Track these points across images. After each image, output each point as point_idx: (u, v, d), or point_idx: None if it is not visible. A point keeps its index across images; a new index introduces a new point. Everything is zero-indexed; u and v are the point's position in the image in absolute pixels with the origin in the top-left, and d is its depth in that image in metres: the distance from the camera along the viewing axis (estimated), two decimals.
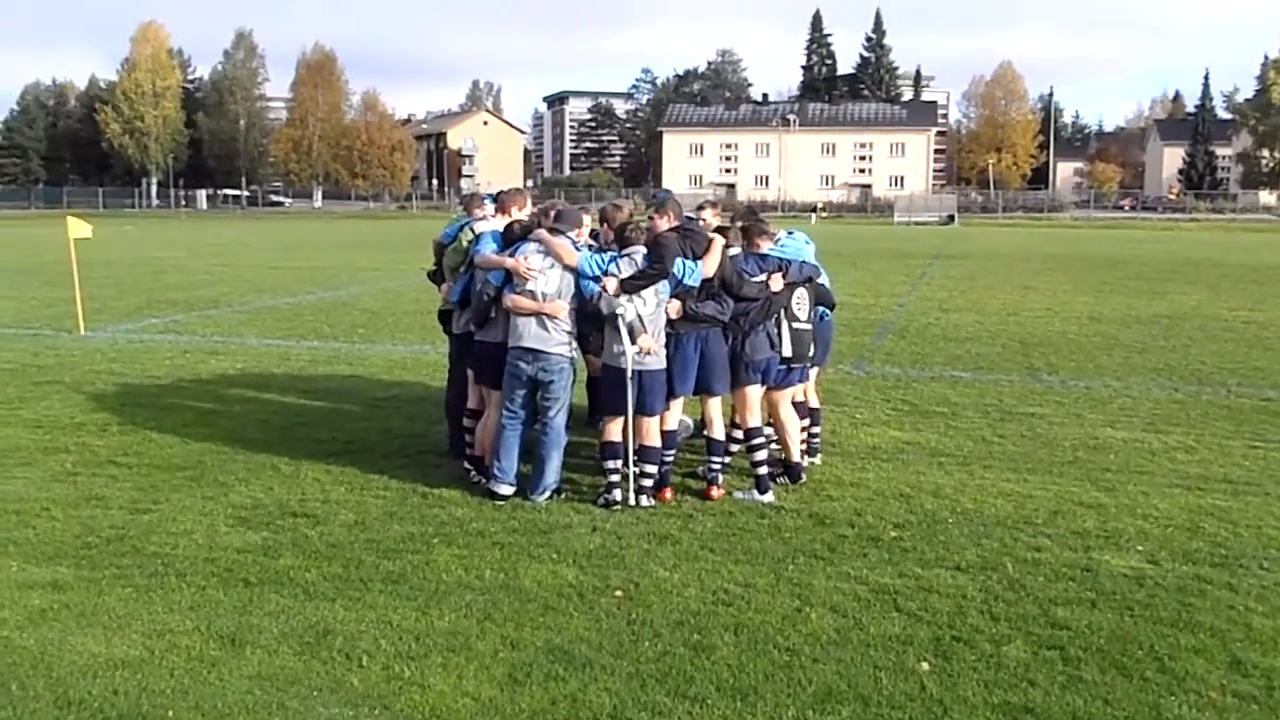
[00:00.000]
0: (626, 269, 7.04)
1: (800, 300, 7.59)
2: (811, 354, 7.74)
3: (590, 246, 7.55)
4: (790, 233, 7.98)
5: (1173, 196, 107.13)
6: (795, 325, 7.53)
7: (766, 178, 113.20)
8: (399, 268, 28.17)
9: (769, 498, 7.39)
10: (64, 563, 6.10)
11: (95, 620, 5.32)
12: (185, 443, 8.85)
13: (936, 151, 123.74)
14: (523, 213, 7.69)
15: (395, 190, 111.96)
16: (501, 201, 7.85)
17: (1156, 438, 9.36)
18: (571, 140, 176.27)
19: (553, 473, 7.29)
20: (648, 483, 7.21)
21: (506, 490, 7.26)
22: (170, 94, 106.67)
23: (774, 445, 7.84)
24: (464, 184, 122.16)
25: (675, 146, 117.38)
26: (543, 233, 7.16)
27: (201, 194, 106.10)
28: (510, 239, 7.30)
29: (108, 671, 4.76)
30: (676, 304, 7.17)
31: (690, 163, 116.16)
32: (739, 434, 7.69)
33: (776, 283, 7.37)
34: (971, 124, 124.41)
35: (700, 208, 7.86)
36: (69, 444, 8.81)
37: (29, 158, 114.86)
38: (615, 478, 7.18)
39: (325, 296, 21.12)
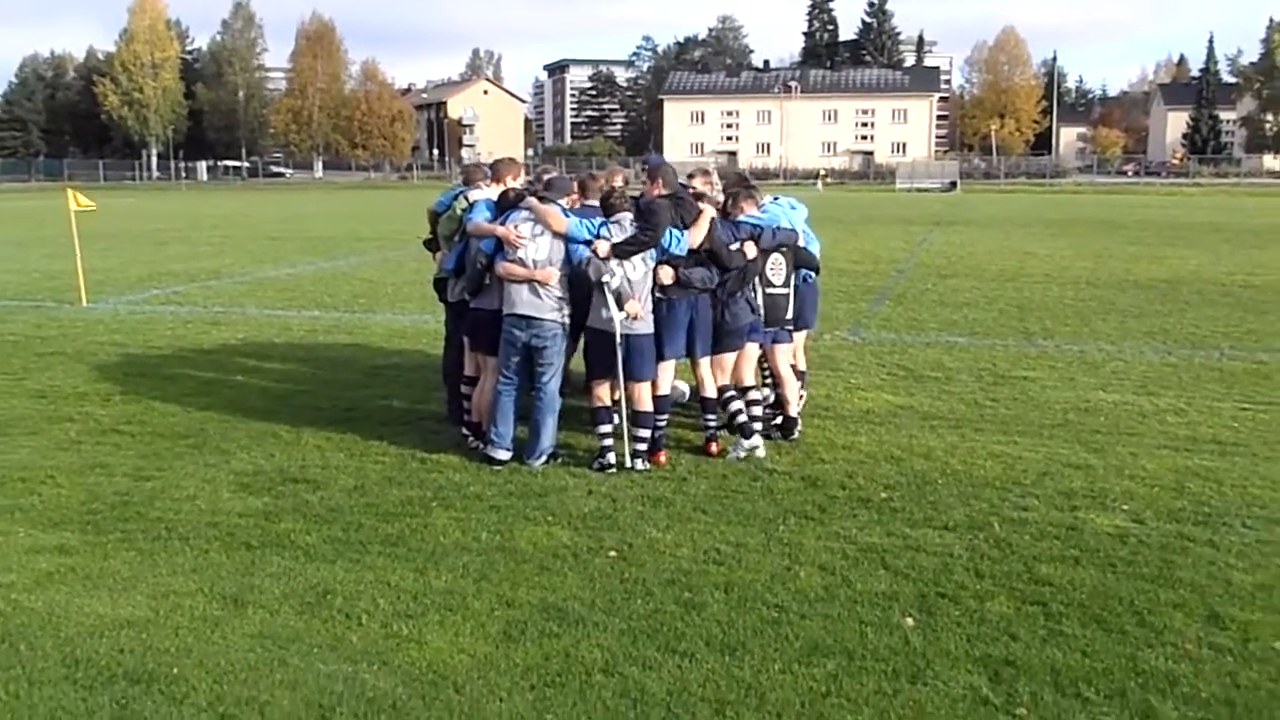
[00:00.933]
0: (616, 235, 7.12)
1: (775, 265, 7.73)
2: (788, 317, 7.88)
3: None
4: (775, 198, 8.07)
5: (1176, 161, 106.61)
6: (769, 290, 7.69)
7: (768, 145, 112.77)
8: (399, 237, 28.19)
9: (755, 441, 7.55)
10: (69, 528, 6.23)
11: (101, 583, 5.45)
12: (187, 411, 8.97)
13: (939, 117, 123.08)
14: (516, 182, 7.77)
15: (396, 160, 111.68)
16: (496, 170, 7.93)
17: (1148, 400, 9.46)
18: (572, 109, 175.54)
19: (548, 437, 7.41)
20: (642, 446, 7.33)
21: (503, 455, 7.38)
22: (169, 65, 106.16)
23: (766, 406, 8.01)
24: (465, 153, 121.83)
25: (676, 114, 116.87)
26: (533, 200, 7.25)
27: (202, 165, 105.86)
28: (503, 207, 7.39)
29: (113, 631, 4.89)
30: (669, 271, 7.27)
31: (691, 130, 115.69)
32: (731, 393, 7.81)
33: (750, 250, 7.49)
34: (974, 89, 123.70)
35: (691, 175, 7.94)
36: (73, 413, 8.94)
37: (29, 131, 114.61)
38: (608, 442, 7.30)
39: (325, 267, 21.20)
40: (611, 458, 7.27)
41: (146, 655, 4.67)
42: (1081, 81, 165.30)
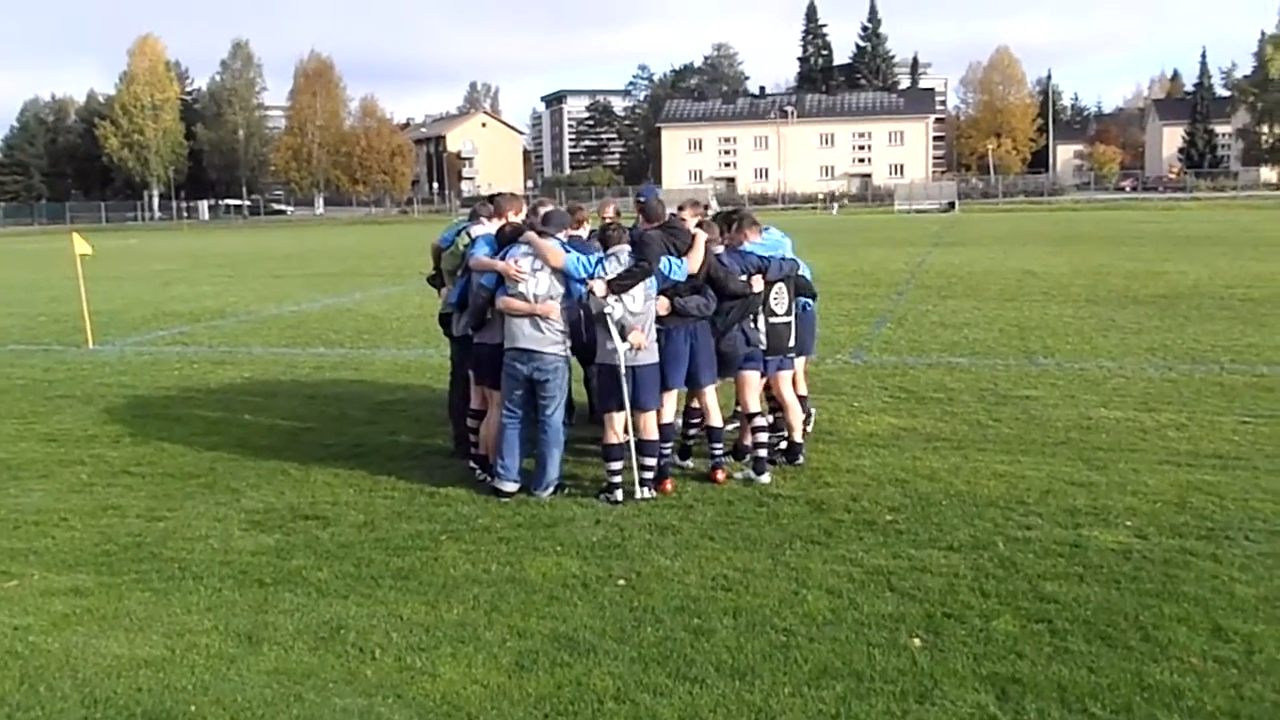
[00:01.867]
0: (613, 268, 7.22)
1: (778, 295, 7.84)
2: (791, 345, 7.99)
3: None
4: (766, 228, 8.18)
5: (1173, 176, 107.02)
6: (771, 320, 7.80)
7: (766, 170, 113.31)
8: (401, 272, 28.37)
9: (766, 479, 7.62)
10: (84, 570, 6.31)
11: (116, 623, 5.52)
12: (197, 451, 9.05)
13: (935, 138, 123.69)
14: (518, 217, 7.88)
15: (396, 195, 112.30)
16: (498, 205, 8.05)
17: (1149, 416, 9.53)
18: (570, 139, 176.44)
19: (554, 469, 7.48)
20: (648, 475, 7.39)
21: (511, 487, 7.45)
22: (169, 106, 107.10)
23: (774, 432, 8.10)
24: (464, 186, 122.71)
25: (674, 142, 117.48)
26: (532, 235, 7.36)
27: (203, 205, 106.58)
28: (503, 242, 7.50)
29: (131, 671, 4.96)
30: (665, 300, 7.37)
31: (690, 158, 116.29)
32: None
33: (757, 284, 7.60)
34: (970, 110, 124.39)
35: (681, 207, 8.06)
36: (83, 456, 9.02)
37: (30, 174, 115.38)
38: (617, 479, 7.35)
39: (329, 303, 21.33)
40: (620, 494, 7.32)
41: (164, 694, 4.73)
42: (1077, 99, 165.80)
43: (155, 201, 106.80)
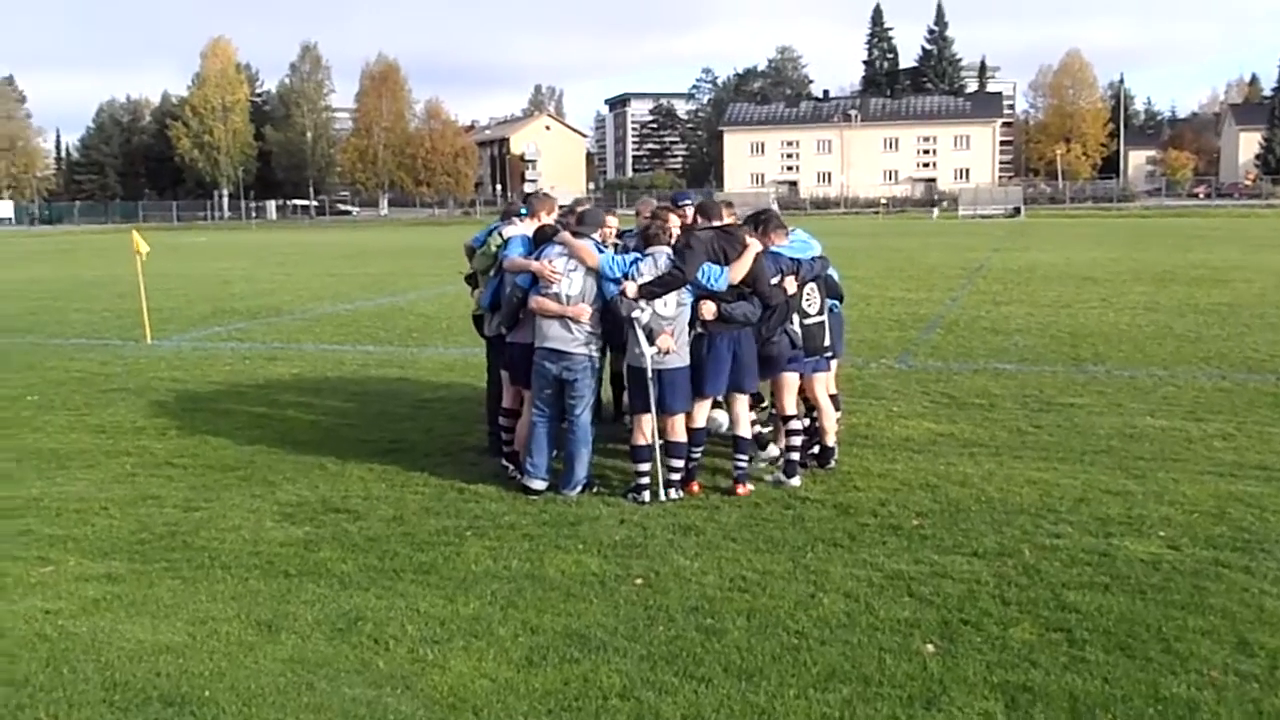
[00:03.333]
0: (648, 270, 7.21)
1: (810, 295, 7.78)
2: (826, 345, 7.92)
3: (616, 246, 7.77)
4: (793, 230, 8.12)
5: (1249, 182, 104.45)
6: (805, 320, 7.73)
7: (829, 174, 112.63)
8: (457, 273, 28.59)
9: (796, 482, 7.59)
10: (118, 557, 6.46)
11: (144, 610, 5.65)
12: (238, 445, 9.23)
13: (1003, 143, 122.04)
14: (550, 217, 7.93)
15: (460, 196, 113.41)
16: (531, 206, 8.11)
17: (1196, 425, 9.32)
18: (634, 142, 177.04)
19: (582, 468, 7.52)
20: (675, 476, 7.39)
21: (540, 485, 7.50)
22: (239, 108, 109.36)
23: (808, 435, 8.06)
24: (527, 188, 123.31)
25: (736, 145, 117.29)
26: (567, 235, 7.39)
27: (271, 205, 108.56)
28: (539, 241, 7.55)
29: (152, 656, 5.08)
30: (712, 306, 7.30)
31: (752, 161, 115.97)
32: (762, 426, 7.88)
33: (790, 285, 7.55)
34: (1039, 114, 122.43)
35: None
36: (130, 447, 9.24)
37: (106, 174, 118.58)
38: (645, 480, 7.36)
39: (382, 302, 21.61)
40: (647, 495, 7.33)
41: (182, 679, 4.84)
42: (1150, 104, 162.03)
43: (225, 201, 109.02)
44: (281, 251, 44.62)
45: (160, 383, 12.40)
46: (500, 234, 7.95)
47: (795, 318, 7.69)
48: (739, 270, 7.28)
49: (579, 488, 7.51)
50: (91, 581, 6.06)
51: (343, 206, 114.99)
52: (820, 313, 7.88)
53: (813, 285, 7.82)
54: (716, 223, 7.48)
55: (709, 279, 7.22)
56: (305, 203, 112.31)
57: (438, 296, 22.48)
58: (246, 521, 7.11)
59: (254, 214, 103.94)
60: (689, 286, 7.22)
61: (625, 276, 7.20)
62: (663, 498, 7.31)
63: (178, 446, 9.24)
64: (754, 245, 7.41)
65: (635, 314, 7.11)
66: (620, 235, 8.12)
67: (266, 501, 7.56)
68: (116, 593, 5.89)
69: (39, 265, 37.78)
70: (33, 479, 8.26)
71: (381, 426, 9.85)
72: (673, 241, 7.33)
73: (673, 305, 7.21)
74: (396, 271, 30.95)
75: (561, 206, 8.70)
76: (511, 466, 7.97)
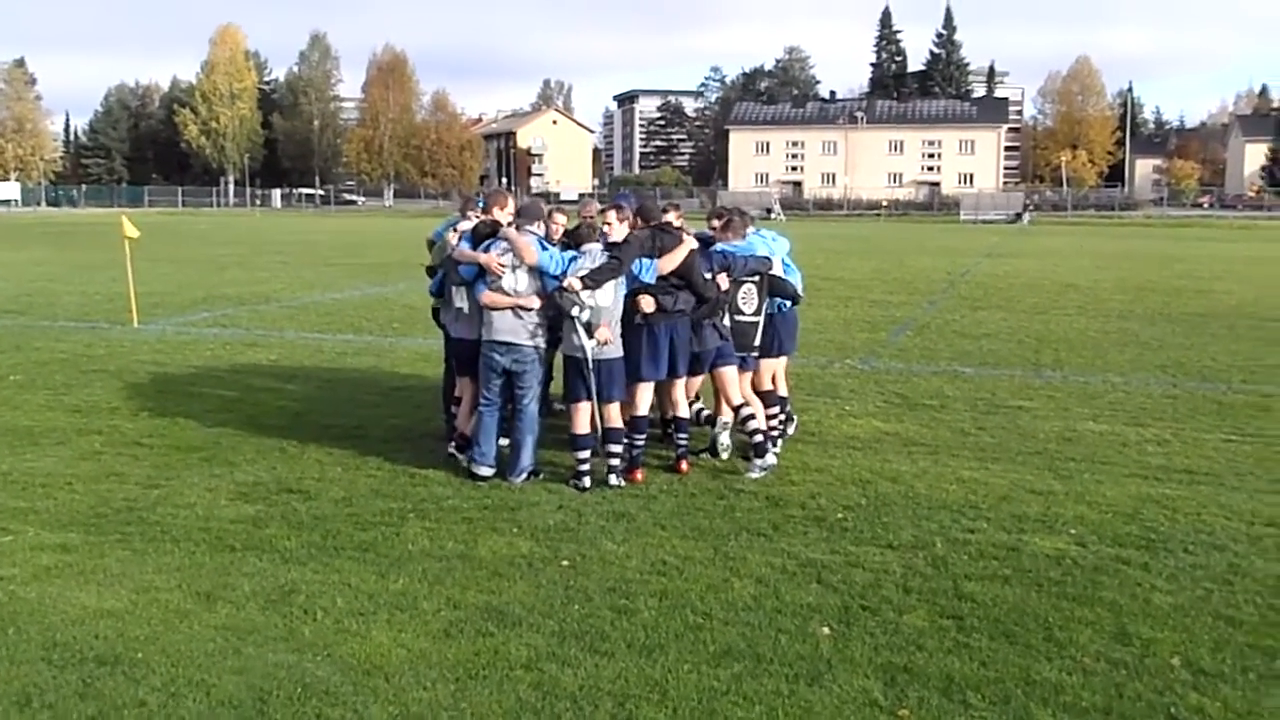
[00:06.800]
0: (586, 265, 7.52)
1: (746, 295, 8.07)
2: (755, 344, 8.21)
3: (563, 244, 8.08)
4: (758, 230, 8.43)
5: (1253, 194, 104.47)
6: (738, 318, 8.03)
7: (833, 175, 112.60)
8: (419, 264, 28.86)
9: (770, 460, 7.99)
10: (75, 529, 6.78)
11: (92, 578, 5.96)
12: (205, 426, 9.54)
13: (1009, 148, 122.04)
14: (504, 213, 8.20)
15: (465, 189, 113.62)
16: (486, 202, 8.40)
17: (1135, 430, 9.60)
18: (641, 138, 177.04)
19: (527, 456, 7.82)
20: (616, 463, 7.70)
21: (486, 471, 7.80)
22: (246, 95, 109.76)
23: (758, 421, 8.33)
24: (534, 183, 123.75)
25: (741, 144, 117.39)
26: (509, 232, 7.69)
27: (276, 193, 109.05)
28: (479, 237, 7.82)
29: (94, 620, 5.39)
30: (650, 300, 7.64)
31: (757, 160, 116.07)
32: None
33: (723, 281, 7.85)
34: (1047, 120, 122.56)
35: (664, 210, 8.33)
36: (102, 426, 9.55)
37: (112, 158, 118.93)
38: (585, 466, 7.67)
39: (371, 292, 21.92)
40: (588, 481, 7.64)
41: (118, 641, 5.15)
42: (1159, 113, 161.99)
43: (231, 188, 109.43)
44: (280, 239, 44.87)
45: (140, 365, 12.71)
46: (456, 229, 8.25)
47: (727, 313, 8.00)
48: (668, 263, 7.64)
49: (524, 475, 7.81)
50: (46, 551, 6.37)
51: (348, 196, 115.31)
52: (756, 313, 8.17)
53: (750, 285, 8.11)
54: (654, 223, 7.80)
55: (640, 270, 7.60)
56: (311, 191, 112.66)
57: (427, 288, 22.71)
58: (202, 499, 7.42)
59: (259, 201, 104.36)
60: (625, 278, 7.56)
61: (563, 274, 7.50)
62: (607, 482, 7.61)
63: (148, 427, 9.55)
64: (688, 242, 7.74)
65: (575, 311, 7.41)
66: (568, 234, 8.41)
67: (225, 481, 7.87)
68: (68, 561, 6.20)
69: (40, 248, 38.13)
70: (4, 454, 8.57)
71: (346, 413, 10.16)
72: (609, 239, 7.64)
73: (611, 295, 7.52)
74: (391, 262, 31.28)
75: (564, 202, 9.03)
76: (460, 454, 8.27)
